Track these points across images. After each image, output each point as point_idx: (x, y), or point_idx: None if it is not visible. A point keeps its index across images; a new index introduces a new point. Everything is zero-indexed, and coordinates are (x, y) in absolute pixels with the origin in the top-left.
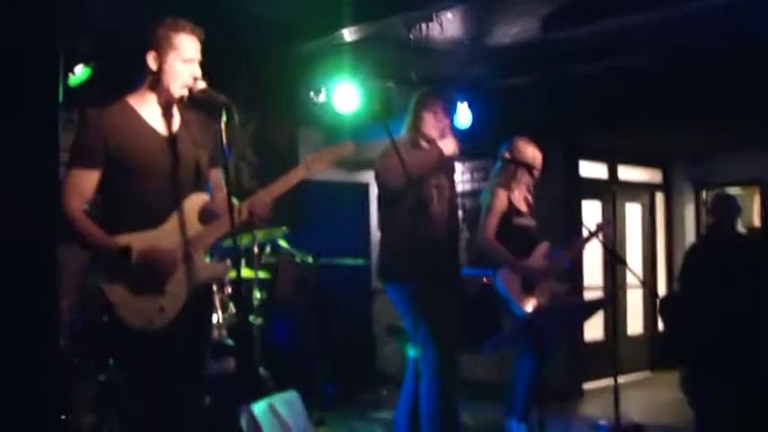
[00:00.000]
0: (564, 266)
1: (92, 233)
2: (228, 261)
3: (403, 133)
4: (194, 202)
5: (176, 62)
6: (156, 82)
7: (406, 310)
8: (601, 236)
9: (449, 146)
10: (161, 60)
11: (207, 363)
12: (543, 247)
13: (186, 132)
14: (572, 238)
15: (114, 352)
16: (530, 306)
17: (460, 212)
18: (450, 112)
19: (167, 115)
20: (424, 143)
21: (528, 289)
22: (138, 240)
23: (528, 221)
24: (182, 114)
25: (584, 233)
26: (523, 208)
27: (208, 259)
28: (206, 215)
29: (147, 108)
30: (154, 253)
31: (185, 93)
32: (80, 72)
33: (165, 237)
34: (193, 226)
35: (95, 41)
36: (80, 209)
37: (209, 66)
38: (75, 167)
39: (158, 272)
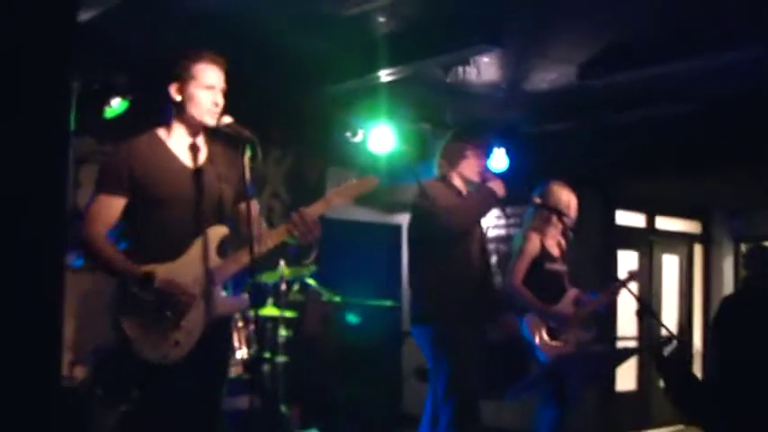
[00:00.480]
0: (592, 313)
1: (114, 259)
2: (246, 296)
3: (437, 172)
4: (214, 234)
5: (197, 90)
6: (181, 112)
7: (431, 352)
8: (632, 285)
9: (500, 188)
10: (183, 90)
11: (223, 398)
12: (572, 293)
13: (212, 166)
14: (605, 287)
15: (135, 383)
16: (554, 353)
17: (494, 257)
18: (488, 153)
19: (193, 147)
20: (458, 184)
21: (553, 335)
22: (158, 271)
23: (559, 267)
24: (208, 148)
25: (616, 283)
26: (556, 253)
27: (225, 293)
28: (225, 248)
29: (175, 140)
30: (174, 285)
31: (210, 122)
32: (117, 105)
33: (184, 268)
34: (213, 259)
35: (132, 75)
36: (102, 234)
37: (245, 102)
38: (100, 193)
39: (176, 305)
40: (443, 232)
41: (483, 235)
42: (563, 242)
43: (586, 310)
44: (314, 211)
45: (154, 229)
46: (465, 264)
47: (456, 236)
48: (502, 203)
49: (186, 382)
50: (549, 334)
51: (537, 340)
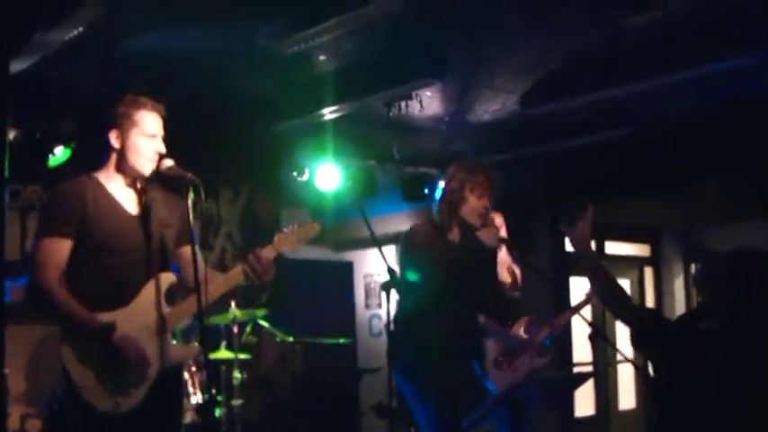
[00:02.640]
0: (545, 343)
1: (74, 309)
2: (197, 344)
3: (438, 216)
4: (163, 281)
5: (138, 138)
6: (121, 160)
7: (413, 393)
8: (584, 310)
9: (491, 236)
10: (123, 138)
11: None
12: (524, 320)
13: (151, 211)
14: (556, 315)
15: None
16: (503, 382)
17: None
18: (494, 193)
19: (131, 193)
20: (453, 233)
21: (501, 365)
22: (107, 318)
23: (508, 293)
24: (147, 192)
25: (567, 311)
26: (505, 279)
27: (175, 342)
28: (174, 295)
29: (115, 185)
30: (130, 342)
31: (148, 171)
32: (60, 153)
33: (133, 316)
34: (162, 306)
35: (75, 121)
36: (57, 280)
37: (194, 143)
38: (48, 237)
39: (130, 360)
40: (427, 285)
41: (472, 282)
42: (515, 268)
43: (539, 337)
44: (264, 254)
45: (99, 275)
46: (450, 312)
47: (430, 283)
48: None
49: (140, 431)
50: (496, 364)
51: (486, 369)
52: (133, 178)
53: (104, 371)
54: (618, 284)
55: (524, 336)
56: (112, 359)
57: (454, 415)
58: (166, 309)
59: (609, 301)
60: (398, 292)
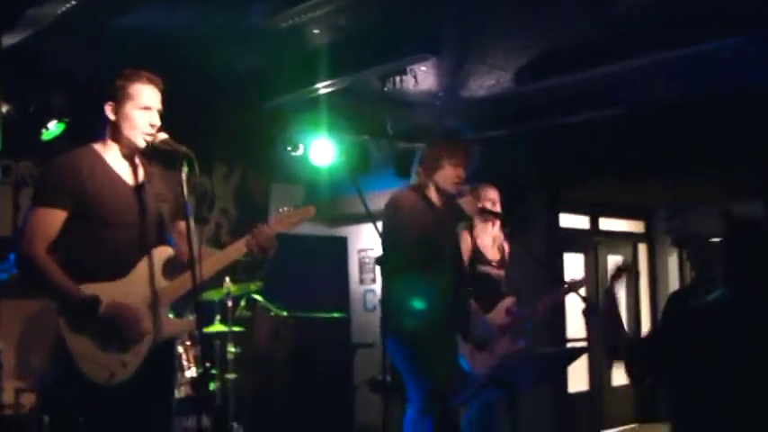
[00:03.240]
0: (526, 326)
1: (59, 281)
2: (192, 318)
3: (414, 180)
4: (159, 255)
5: (133, 111)
6: (116, 132)
7: (406, 366)
8: (579, 291)
9: (470, 204)
10: (118, 110)
11: (171, 418)
12: (508, 301)
13: (149, 184)
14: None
15: (83, 407)
16: (479, 364)
17: None
18: (466, 164)
19: (130, 165)
20: (432, 195)
21: (479, 345)
22: (101, 292)
23: (493, 270)
24: (144, 167)
25: (549, 293)
26: (492, 255)
27: (171, 315)
28: (171, 269)
29: (112, 157)
30: (121, 307)
31: (146, 142)
32: (53, 127)
33: (129, 289)
34: (159, 280)
35: (69, 96)
36: (45, 251)
37: (189, 119)
38: (39, 206)
39: (124, 327)
40: (403, 243)
41: (457, 247)
42: (505, 246)
43: (519, 320)
44: (266, 230)
45: (95, 247)
46: (437, 277)
47: (416, 246)
48: (469, 220)
49: (133, 404)
50: (477, 346)
51: (461, 350)
52: (129, 151)
53: (98, 341)
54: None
55: (503, 319)
56: (105, 329)
57: (444, 390)
58: (163, 283)
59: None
60: (388, 261)
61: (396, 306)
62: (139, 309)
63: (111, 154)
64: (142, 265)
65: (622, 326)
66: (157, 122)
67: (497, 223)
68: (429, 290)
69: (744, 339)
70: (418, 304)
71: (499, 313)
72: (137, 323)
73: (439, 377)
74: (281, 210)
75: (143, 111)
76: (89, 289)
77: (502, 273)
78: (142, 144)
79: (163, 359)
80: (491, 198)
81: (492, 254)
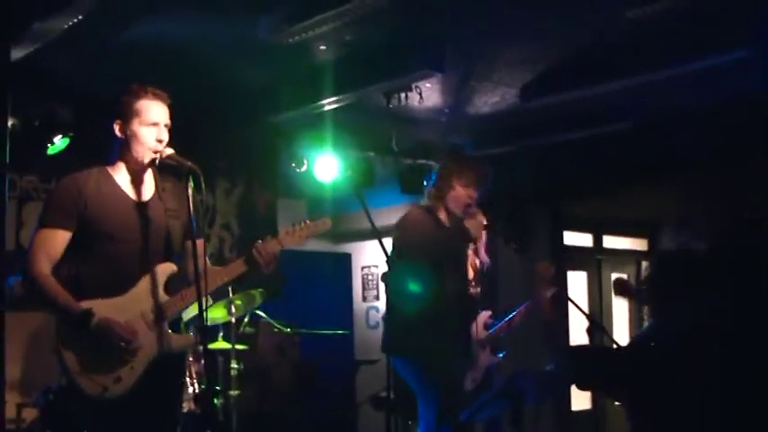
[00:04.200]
0: (504, 335)
1: (55, 295)
2: (192, 334)
3: (426, 199)
4: (162, 271)
5: (140, 127)
6: (125, 149)
7: (418, 384)
8: (582, 303)
9: (475, 227)
10: (126, 127)
11: None
12: (483, 316)
13: (160, 200)
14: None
15: (83, 422)
16: (465, 381)
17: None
18: (483, 185)
19: (138, 182)
20: (442, 216)
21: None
22: (102, 307)
23: (471, 289)
24: (158, 182)
25: (522, 305)
26: (469, 275)
27: (172, 330)
28: (173, 285)
29: (121, 175)
30: (112, 322)
31: (154, 157)
32: (59, 141)
33: (129, 305)
34: (160, 295)
35: (74, 111)
36: (46, 269)
37: (192, 135)
38: (45, 227)
39: (116, 342)
40: (409, 255)
41: (464, 267)
42: (477, 263)
43: (497, 333)
44: (269, 246)
45: (100, 263)
46: (442, 295)
47: (428, 268)
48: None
49: (134, 419)
50: None
51: None
52: (138, 168)
53: (92, 355)
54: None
55: (481, 333)
56: (99, 344)
57: (456, 406)
58: (164, 298)
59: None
60: (396, 280)
61: (403, 323)
62: (135, 324)
63: (122, 172)
64: (144, 281)
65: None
66: (165, 138)
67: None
68: (437, 308)
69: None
70: (425, 321)
71: (478, 328)
72: (130, 338)
73: (448, 393)
74: (294, 224)
75: (150, 127)
76: (88, 304)
77: (477, 290)
78: (149, 160)
79: (167, 374)
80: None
81: (468, 273)
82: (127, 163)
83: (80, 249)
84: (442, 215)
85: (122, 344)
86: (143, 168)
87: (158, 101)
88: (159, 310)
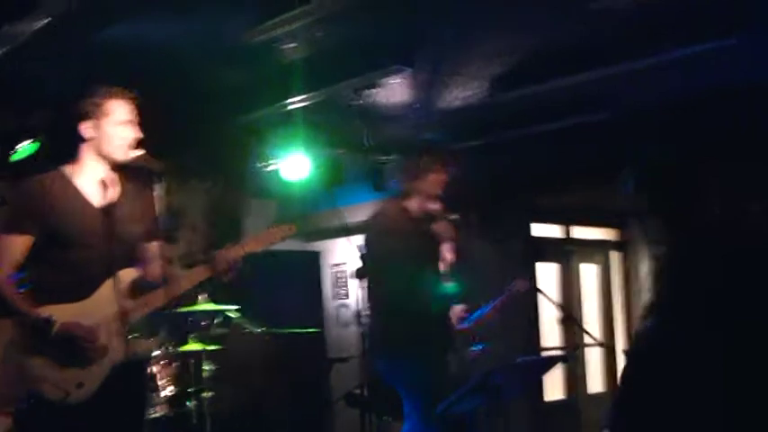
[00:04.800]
0: (479, 328)
1: (14, 302)
2: (153, 339)
3: (400, 188)
4: (125, 276)
5: (110, 127)
6: (95, 150)
7: (403, 385)
8: (552, 294)
9: (446, 230)
10: (97, 127)
11: None
12: (457, 309)
13: (122, 205)
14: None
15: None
16: None
17: None
18: (451, 173)
19: (102, 185)
20: (413, 206)
21: None
22: (63, 312)
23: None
24: (121, 186)
25: (500, 297)
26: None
27: (133, 336)
28: (136, 290)
29: (84, 178)
30: (74, 327)
31: (123, 157)
32: (24, 147)
33: (91, 310)
34: (123, 301)
35: (46, 114)
36: (5, 277)
37: (159, 136)
38: (6, 233)
39: (78, 346)
40: (392, 271)
41: (437, 259)
42: (448, 256)
43: (472, 326)
44: (234, 253)
45: (60, 269)
46: (421, 293)
47: (405, 272)
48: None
49: (96, 425)
50: None
51: None
52: (105, 169)
53: (52, 361)
54: None
55: (458, 325)
56: (61, 349)
57: (439, 400)
58: (126, 303)
59: None
60: (372, 278)
61: (384, 323)
62: (97, 328)
63: (82, 175)
64: (106, 286)
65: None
66: (138, 135)
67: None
68: (417, 304)
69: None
70: (408, 317)
71: (453, 322)
72: (92, 342)
73: (436, 389)
74: (261, 230)
75: (121, 125)
76: (49, 310)
77: (450, 284)
78: (123, 158)
79: (129, 379)
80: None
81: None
82: (95, 162)
83: (41, 254)
84: (413, 206)
85: (87, 345)
86: (109, 170)
87: (126, 100)
88: (122, 316)
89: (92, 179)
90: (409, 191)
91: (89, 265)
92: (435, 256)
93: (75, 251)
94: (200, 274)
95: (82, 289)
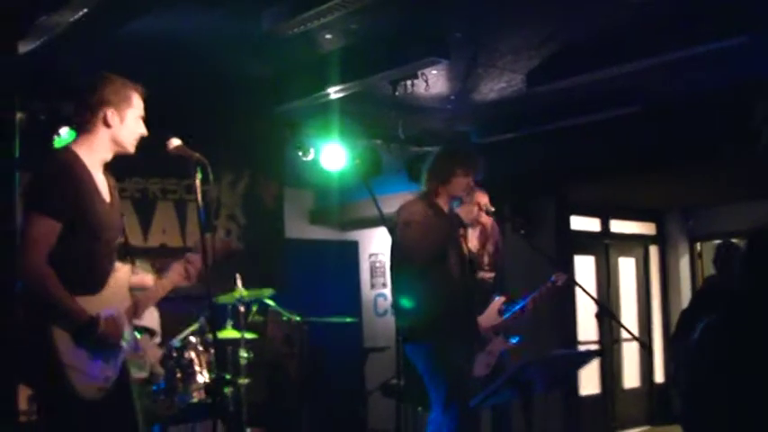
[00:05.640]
0: (518, 320)
1: (61, 297)
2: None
3: (425, 188)
4: (125, 271)
5: (132, 118)
6: (108, 139)
7: (426, 368)
8: (590, 289)
9: (468, 213)
10: (119, 116)
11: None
12: (498, 302)
13: (115, 199)
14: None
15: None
16: (478, 366)
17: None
18: (479, 172)
19: (103, 176)
20: (441, 202)
21: (477, 347)
22: (90, 306)
23: (486, 274)
24: (109, 180)
25: (539, 289)
26: (483, 259)
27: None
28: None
29: (94, 167)
30: (116, 321)
31: (132, 150)
32: (65, 134)
33: (106, 303)
34: (126, 296)
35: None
36: (46, 263)
37: (196, 126)
38: (42, 215)
39: (114, 341)
40: (417, 258)
41: (464, 250)
42: (490, 247)
43: (512, 318)
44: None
45: (81, 260)
46: (447, 280)
47: (429, 259)
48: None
49: (115, 419)
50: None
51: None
52: (107, 160)
53: (91, 353)
54: None
55: (495, 319)
56: (96, 345)
57: (463, 390)
58: (134, 297)
59: None
60: (395, 265)
61: (407, 313)
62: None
63: (94, 164)
64: (114, 280)
65: None
66: (145, 132)
67: (486, 227)
68: (442, 295)
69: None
70: (433, 307)
71: (491, 314)
72: (121, 337)
73: (456, 377)
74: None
75: (139, 118)
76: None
77: (492, 275)
78: (132, 150)
79: (127, 370)
80: (483, 202)
81: (483, 258)
82: (105, 153)
83: (63, 246)
84: (442, 202)
85: (117, 339)
86: (110, 161)
87: (139, 93)
88: (131, 308)
89: (98, 170)
90: (432, 192)
91: (104, 257)
92: (461, 248)
93: (95, 243)
94: (172, 281)
95: (97, 282)
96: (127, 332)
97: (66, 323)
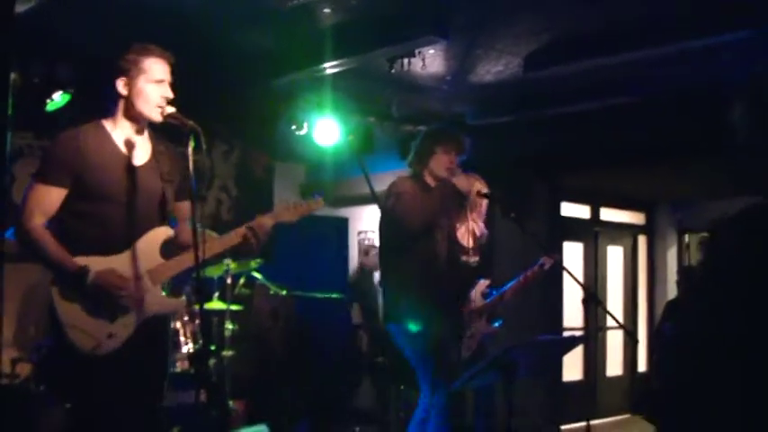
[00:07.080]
0: (501, 304)
1: (52, 252)
2: (184, 297)
3: (409, 169)
4: (158, 234)
5: (146, 84)
6: (128, 107)
7: (411, 349)
8: (578, 275)
9: (464, 183)
10: (131, 85)
11: (162, 394)
12: (481, 285)
13: (156, 163)
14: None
15: (75, 378)
16: (463, 348)
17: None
18: (458, 151)
19: (135, 142)
20: (428, 180)
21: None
22: (96, 264)
23: (470, 258)
24: (154, 145)
25: (525, 272)
26: (467, 243)
27: (164, 293)
28: (169, 249)
29: (121, 134)
30: (110, 276)
31: (157, 117)
32: (58, 98)
33: (122, 265)
34: (154, 259)
35: (74, 68)
36: (41, 225)
37: (190, 96)
38: (42, 183)
39: (111, 295)
40: (405, 229)
41: (450, 228)
42: (477, 230)
43: (495, 302)
44: (266, 222)
45: (94, 222)
46: (432, 259)
47: (418, 231)
48: (464, 198)
49: (124, 377)
50: None
51: None
52: (139, 127)
53: (87, 310)
54: None
55: (479, 302)
56: (94, 299)
57: (447, 371)
58: (159, 261)
59: None
60: (382, 241)
61: (392, 293)
62: (130, 281)
63: (120, 131)
64: (140, 243)
65: None
66: (170, 95)
67: (476, 211)
68: (427, 272)
69: None
70: (416, 286)
71: (475, 297)
72: (125, 292)
73: (439, 359)
74: (287, 202)
75: (156, 84)
76: (84, 261)
77: (476, 258)
78: (157, 117)
79: (155, 334)
80: (477, 186)
81: (466, 241)
82: (131, 121)
83: (72, 207)
84: (428, 179)
85: (120, 295)
86: (142, 127)
87: (163, 59)
88: (153, 273)
89: (130, 135)
90: (418, 172)
91: (122, 220)
92: (451, 225)
93: (108, 206)
94: (232, 239)
95: (114, 244)
96: (151, 293)
97: (59, 275)
